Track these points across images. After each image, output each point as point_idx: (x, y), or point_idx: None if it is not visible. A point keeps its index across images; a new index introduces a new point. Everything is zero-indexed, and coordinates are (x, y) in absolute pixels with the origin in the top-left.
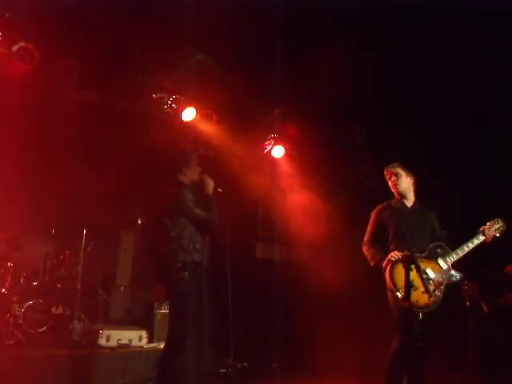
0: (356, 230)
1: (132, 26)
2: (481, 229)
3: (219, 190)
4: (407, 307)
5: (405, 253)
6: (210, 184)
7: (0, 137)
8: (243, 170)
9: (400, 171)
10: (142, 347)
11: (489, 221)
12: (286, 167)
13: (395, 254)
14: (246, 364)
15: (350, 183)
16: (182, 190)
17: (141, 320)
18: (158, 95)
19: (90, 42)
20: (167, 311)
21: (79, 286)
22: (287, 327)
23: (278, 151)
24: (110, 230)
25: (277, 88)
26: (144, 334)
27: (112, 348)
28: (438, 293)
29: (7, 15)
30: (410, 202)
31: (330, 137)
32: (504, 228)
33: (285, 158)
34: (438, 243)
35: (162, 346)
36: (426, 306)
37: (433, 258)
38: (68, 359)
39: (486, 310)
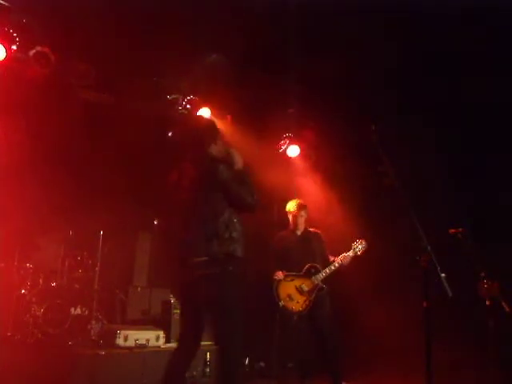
0: (370, 229)
1: (146, 28)
2: (338, 258)
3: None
4: (287, 312)
5: (286, 273)
6: (240, 158)
7: (18, 140)
8: (258, 169)
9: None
10: (159, 347)
11: (355, 241)
12: (301, 166)
13: (279, 275)
14: (262, 364)
15: (366, 182)
16: (219, 165)
17: (158, 320)
18: (173, 96)
19: (104, 44)
20: None
21: (97, 287)
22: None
23: (294, 150)
24: (126, 231)
25: (291, 87)
26: (161, 333)
27: (130, 348)
28: (307, 302)
29: (24, 20)
30: (300, 230)
31: (345, 135)
32: (365, 249)
33: (300, 157)
34: (312, 264)
35: None
36: (299, 311)
37: (307, 275)
38: (86, 359)
39: (507, 309)
